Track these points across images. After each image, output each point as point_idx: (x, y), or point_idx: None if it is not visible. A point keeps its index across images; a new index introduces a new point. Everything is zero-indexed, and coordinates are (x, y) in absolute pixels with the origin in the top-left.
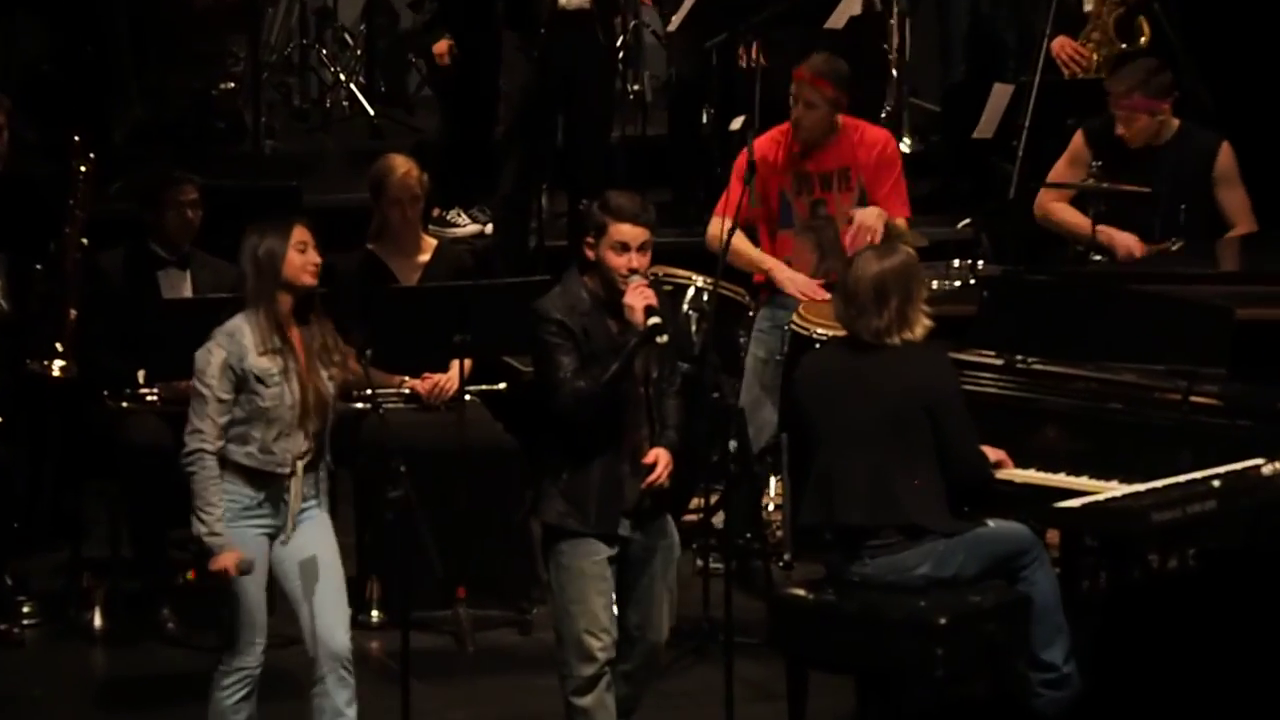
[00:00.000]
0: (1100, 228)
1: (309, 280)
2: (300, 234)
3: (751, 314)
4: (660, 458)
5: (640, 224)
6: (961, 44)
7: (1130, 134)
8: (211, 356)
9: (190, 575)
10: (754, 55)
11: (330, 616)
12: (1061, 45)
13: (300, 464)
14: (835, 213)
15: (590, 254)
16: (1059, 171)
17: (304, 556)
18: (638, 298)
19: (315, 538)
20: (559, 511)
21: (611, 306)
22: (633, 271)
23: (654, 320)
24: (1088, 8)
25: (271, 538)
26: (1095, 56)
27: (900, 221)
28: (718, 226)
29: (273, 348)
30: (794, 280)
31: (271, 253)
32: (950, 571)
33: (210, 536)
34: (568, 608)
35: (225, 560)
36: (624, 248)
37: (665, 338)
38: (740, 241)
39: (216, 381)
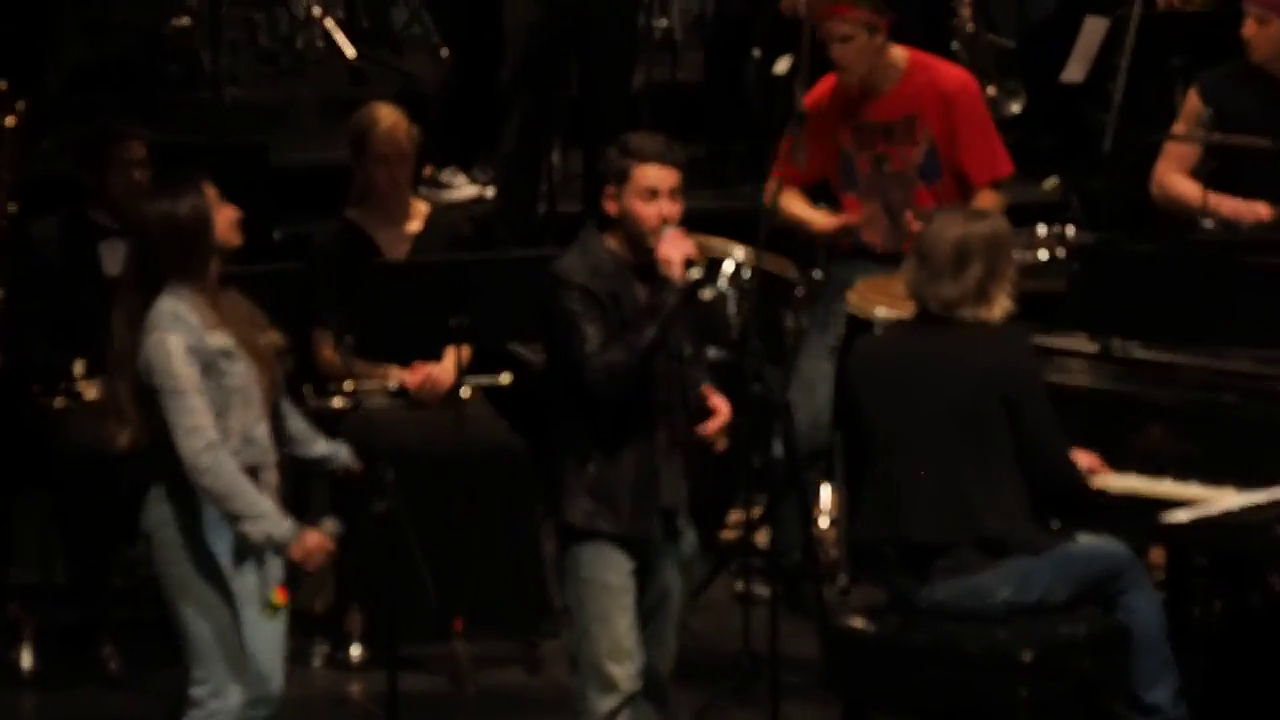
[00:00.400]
0: (1214, 196)
1: (238, 239)
2: (210, 189)
3: (799, 291)
4: (720, 405)
5: (669, 164)
6: None
7: (1256, 44)
8: (170, 343)
9: (280, 599)
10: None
11: (272, 651)
12: None
13: (273, 451)
14: (901, 169)
15: (613, 207)
16: (1178, 147)
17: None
18: (674, 248)
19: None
20: (585, 511)
21: (641, 269)
22: (665, 222)
23: (695, 273)
24: None
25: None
26: None
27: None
28: (770, 187)
29: (216, 319)
30: (831, 223)
31: (198, 213)
32: (1035, 596)
33: (277, 526)
34: (588, 628)
35: (312, 540)
36: (652, 194)
37: (710, 292)
38: (785, 199)
39: (189, 369)
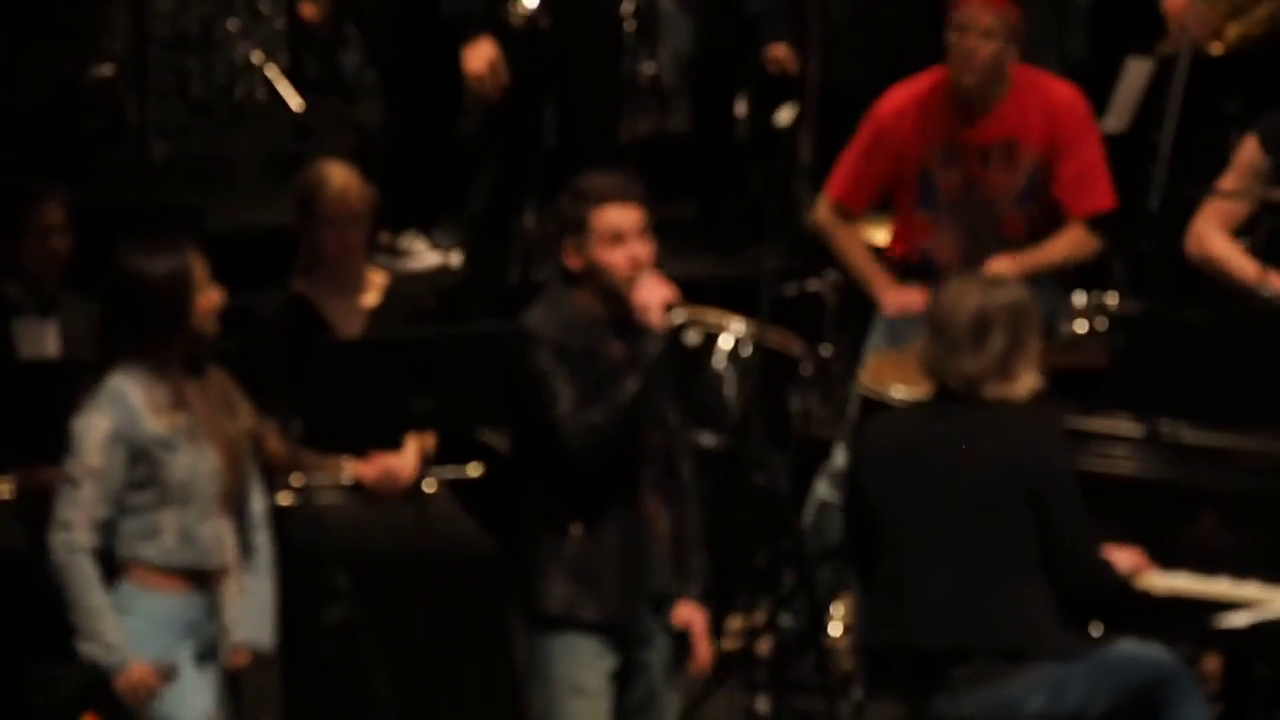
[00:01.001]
0: (1273, 274)
1: (214, 328)
2: (199, 263)
3: (805, 369)
4: (695, 620)
5: (630, 202)
6: (1083, 5)
7: None
8: (92, 426)
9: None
10: (784, 58)
11: None
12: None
13: (231, 552)
14: (996, 196)
15: (576, 261)
16: (1223, 203)
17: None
18: (652, 292)
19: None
20: (563, 596)
21: (617, 324)
22: (638, 267)
23: (678, 317)
24: None
25: (204, 659)
26: (1230, 24)
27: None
28: (824, 208)
29: (168, 403)
30: (897, 301)
31: (174, 280)
32: (1070, 706)
33: (107, 651)
34: None
35: (136, 674)
36: (618, 238)
37: (696, 335)
38: (846, 236)
39: (100, 459)
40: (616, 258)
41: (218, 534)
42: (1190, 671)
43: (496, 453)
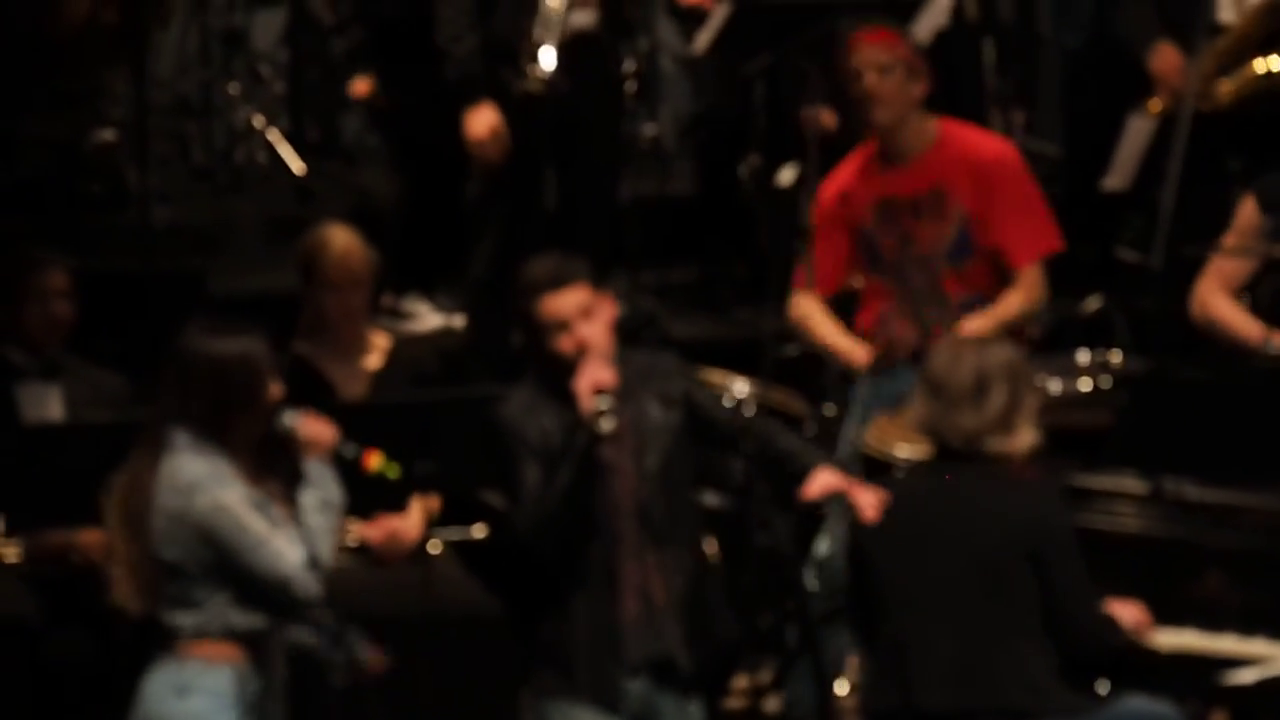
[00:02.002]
0: (1277, 333)
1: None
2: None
3: (809, 429)
4: (831, 478)
5: (566, 286)
6: (1088, 63)
7: None
8: (229, 493)
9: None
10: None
11: None
12: (1166, 60)
13: None
14: (927, 251)
15: (536, 354)
16: (1224, 263)
17: None
18: (584, 379)
19: None
20: (544, 681)
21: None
22: (581, 351)
23: (600, 404)
24: (1224, 16)
25: None
26: (1221, 81)
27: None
28: (794, 307)
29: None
30: (859, 352)
31: (248, 363)
32: None
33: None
34: None
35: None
36: (562, 327)
37: (609, 424)
38: (814, 322)
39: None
40: (566, 344)
41: None
42: None
43: (500, 514)
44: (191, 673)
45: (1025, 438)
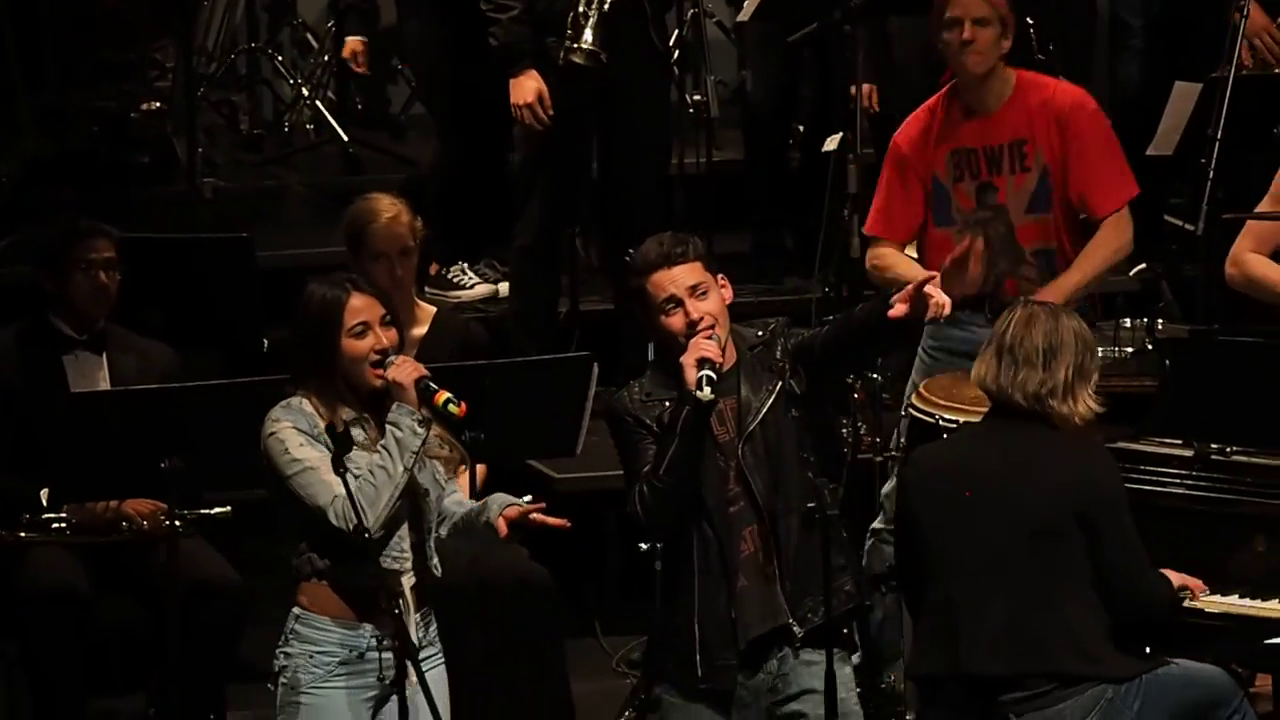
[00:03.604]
0: None
1: (372, 379)
2: (367, 305)
3: (857, 395)
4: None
5: (678, 263)
6: (1138, 30)
7: None
8: (282, 429)
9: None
10: (866, 100)
11: None
12: (1259, 29)
13: (408, 584)
14: (1006, 201)
15: (653, 336)
16: (1260, 223)
17: None
18: (691, 352)
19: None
20: (664, 668)
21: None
22: (693, 328)
23: (705, 373)
24: None
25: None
26: None
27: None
28: (868, 251)
29: (348, 420)
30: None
31: (327, 307)
32: None
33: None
34: None
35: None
36: (672, 302)
37: (708, 392)
38: (891, 261)
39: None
40: (674, 322)
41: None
42: (1244, 693)
43: (548, 481)
44: (290, 619)
45: (1087, 405)
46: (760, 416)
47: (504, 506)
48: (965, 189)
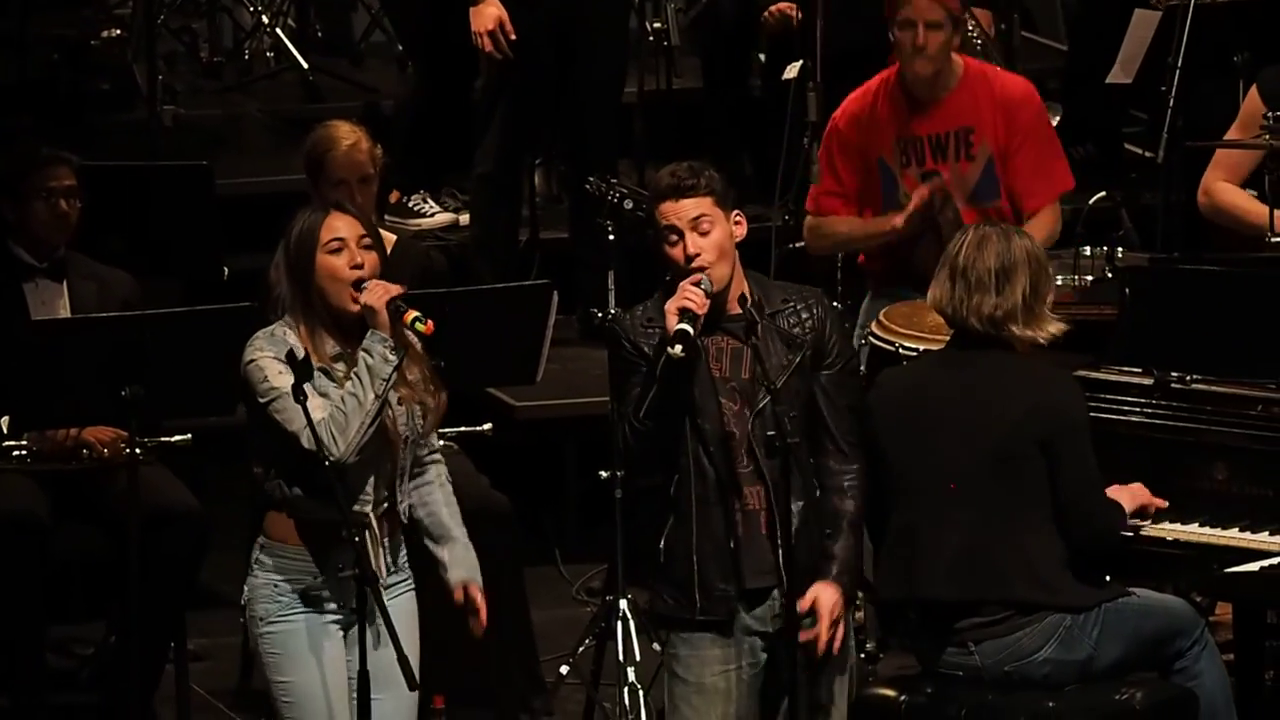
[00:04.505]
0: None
1: (351, 304)
2: (343, 224)
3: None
4: (824, 602)
5: (683, 195)
6: None
7: None
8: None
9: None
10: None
11: None
12: None
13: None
14: (952, 191)
15: (659, 259)
16: (1229, 152)
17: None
18: (675, 299)
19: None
20: (661, 594)
21: (705, 318)
22: (693, 264)
23: (681, 326)
24: None
25: (346, 629)
26: None
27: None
28: (807, 226)
29: (331, 354)
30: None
31: (303, 232)
32: (1082, 653)
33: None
34: None
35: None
36: (673, 233)
37: (679, 349)
38: (831, 224)
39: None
40: (675, 253)
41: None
42: (1205, 622)
43: (509, 409)
44: (255, 548)
45: (1048, 326)
46: (775, 382)
47: (465, 581)
48: (911, 175)
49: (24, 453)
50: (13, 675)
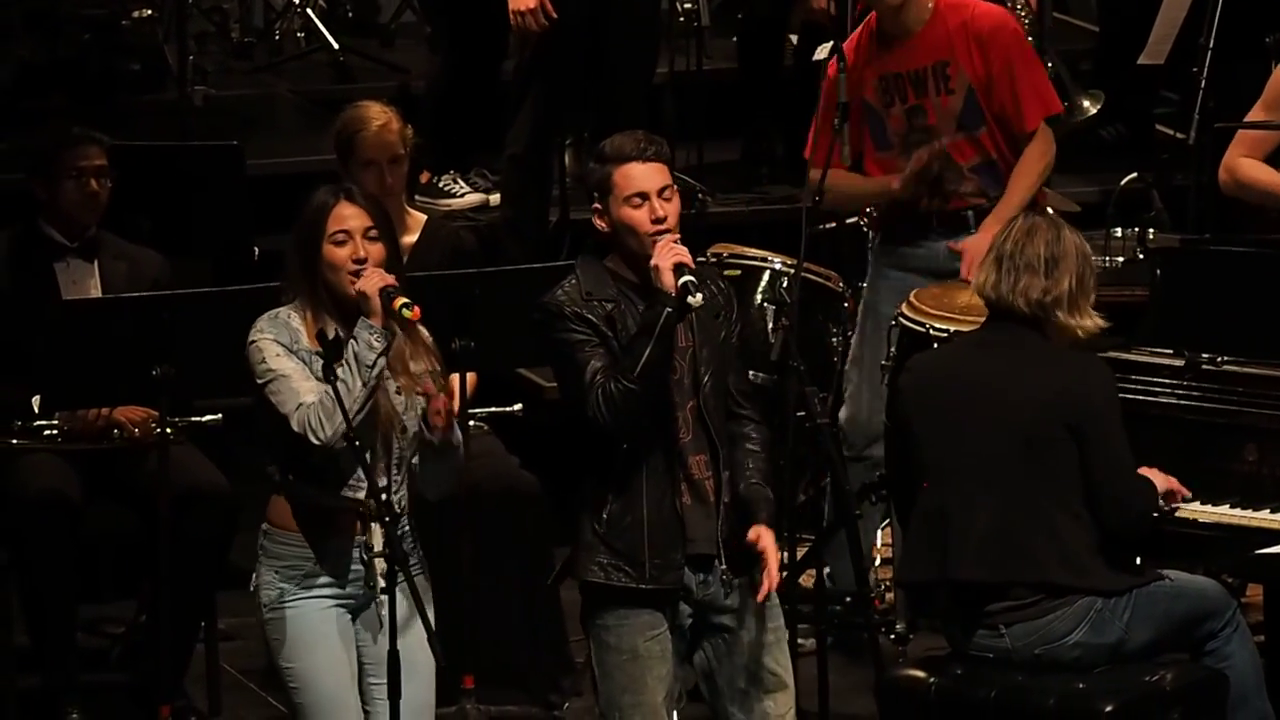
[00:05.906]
0: None
1: (371, 286)
2: (355, 213)
3: (848, 304)
4: (765, 541)
5: (651, 160)
6: None
7: None
8: (262, 341)
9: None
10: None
11: None
12: None
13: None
14: (936, 123)
15: (603, 224)
16: (1252, 132)
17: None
18: (665, 255)
19: (411, 624)
20: (602, 565)
21: (646, 288)
22: (659, 226)
23: (686, 278)
24: None
25: (354, 613)
26: None
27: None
28: (811, 180)
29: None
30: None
31: (314, 212)
32: (1113, 636)
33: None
34: (617, 700)
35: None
36: (641, 198)
37: (699, 298)
38: (837, 182)
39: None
40: (639, 216)
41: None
42: (1237, 604)
43: (538, 389)
44: (260, 534)
45: (1088, 320)
46: (714, 354)
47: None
48: (897, 113)
49: (55, 433)
50: (44, 654)
